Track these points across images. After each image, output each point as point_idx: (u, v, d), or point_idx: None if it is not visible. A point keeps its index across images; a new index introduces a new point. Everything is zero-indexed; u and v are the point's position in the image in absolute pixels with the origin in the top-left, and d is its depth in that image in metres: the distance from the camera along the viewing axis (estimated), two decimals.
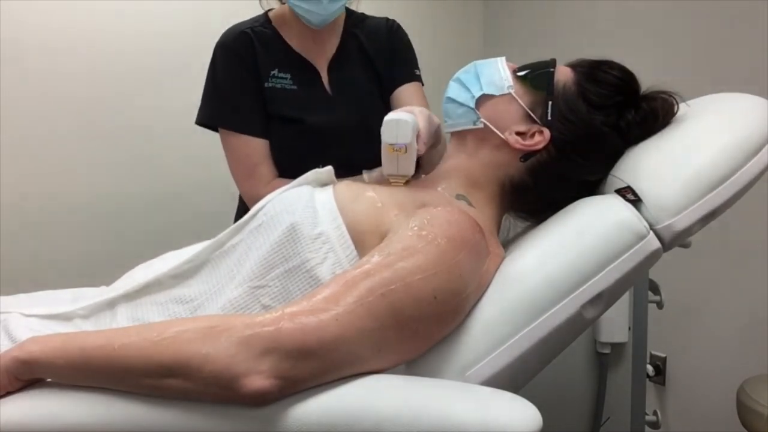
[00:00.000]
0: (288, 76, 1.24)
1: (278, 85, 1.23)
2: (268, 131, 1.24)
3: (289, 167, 1.21)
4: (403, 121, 0.84)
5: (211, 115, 1.25)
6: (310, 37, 1.26)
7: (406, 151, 0.84)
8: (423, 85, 1.33)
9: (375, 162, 1.19)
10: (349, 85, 1.27)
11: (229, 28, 1.26)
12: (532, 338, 0.69)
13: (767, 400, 1.35)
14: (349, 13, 1.32)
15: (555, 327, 0.69)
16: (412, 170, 0.86)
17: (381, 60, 1.30)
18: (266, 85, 1.23)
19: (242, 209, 1.34)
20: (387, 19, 1.35)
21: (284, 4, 1.27)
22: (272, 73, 1.23)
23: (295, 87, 1.24)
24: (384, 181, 0.91)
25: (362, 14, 1.35)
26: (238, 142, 1.23)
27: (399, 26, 1.36)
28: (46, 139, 1.76)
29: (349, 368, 0.62)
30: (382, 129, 0.85)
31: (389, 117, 0.85)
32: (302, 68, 1.25)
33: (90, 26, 1.80)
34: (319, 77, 1.27)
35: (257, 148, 1.23)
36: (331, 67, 1.28)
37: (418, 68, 1.35)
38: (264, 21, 1.28)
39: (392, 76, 1.30)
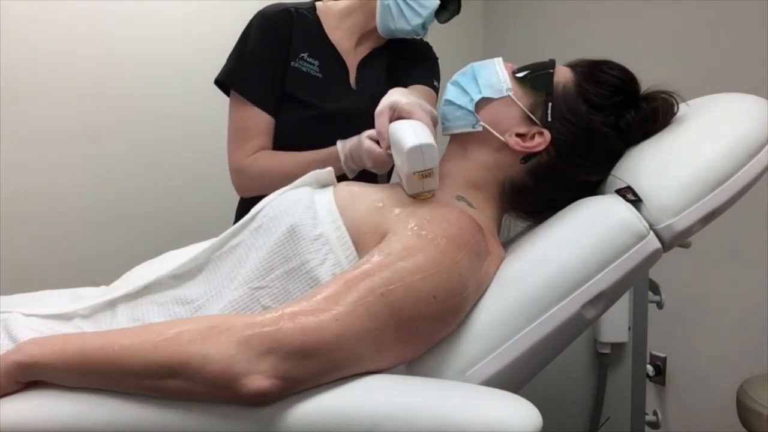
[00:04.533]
0: (316, 62, 1.25)
1: (304, 68, 1.24)
2: (278, 111, 1.24)
3: (298, 150, 1.23)
4: (427, 146, 0.76)
5: (229, 75, 1.25)
6: (352, 36, 1.28)
7: (432, 174, 0.78)
8: (437, 96, 1.33)
9: None
10: (374, 83, 1.29)
11: (274, 3, 1.27)
12: (532, 338, 0.69)
13: (767, 400, 1.35)
14: None
15: (555, 327, 0.69)
16: (437, 184, 0.81)
17: (403, 73, 1.33)
18: (292, 64, 1.24)
19: (242, 207, 1.34)
20: (422, 40, 1.38)
21: None
22: (302, 55, 1.24)
23: (320, 75, 1.26)
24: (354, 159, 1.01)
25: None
26: (244, 110, 1.23)
27: (430, 47, 1.40)
28: (46, 139, 1.76)
29: (349, 368, 0.62)
30: (407, 158, 0.77)
31: (412, 144, 0.76)
32: (333, 59, 1.27)
33: (92, 28, 1.80)
34: (347, 71, 1.29)
35: (260, 122, 1.23)
36: (361, 67, 1.30)
37: (438, 80, 1.37)
38: (310, 7, 1.30)
39: (409, 77, 1.31)
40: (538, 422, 0.56)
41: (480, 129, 0.86)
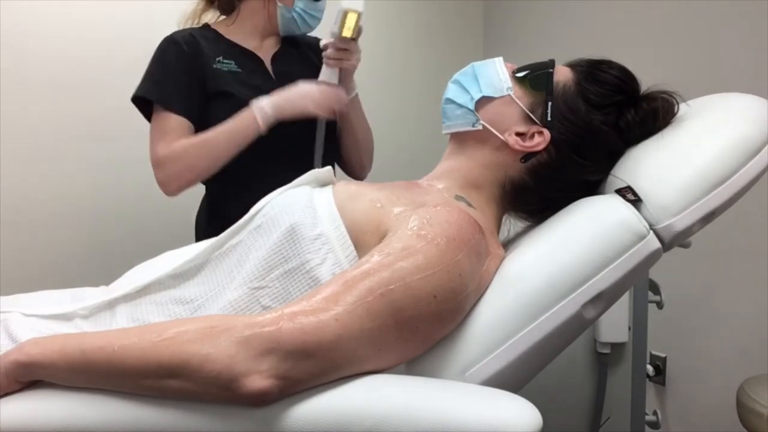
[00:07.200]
0: (232, 61, 1.35)
1: (224, 68, 1.34)
2: (198, 116, 1.32)
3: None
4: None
5: (146, 90, 1.32)
6: (253, 36, 1.40)
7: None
8: None
9: (311, 140, 1.34)
10: (291, 74, 1.36)
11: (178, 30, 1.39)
12: (532, 338, 0.69)
13: (767, 400, 1.35)
14: None
15: (555, 327, 0.69)
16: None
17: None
18: (214, 66, 1.33)
19: (204, 210, 1.45)
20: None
21: (228, 13, 1.41)
22: (218, 58, 1.34)
23: (239, 70, 1.35)
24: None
25: None
26: (163, 116, 1.30)
27: None
28: (46, 139, 1.76)
29: (349, 368, 0.62)
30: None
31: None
32: (245, 57, 1.38)
33: (87, 29, 1.80)
34: (264, 66, 1.39)
35: (178, 123, 1.30)
36: (274, 61, 1.40)
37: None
38: (204, 28, 1.41)
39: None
40: (538, 422, 0.56)
41: (480, 127, 0.86)
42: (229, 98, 1.31)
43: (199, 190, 1.94)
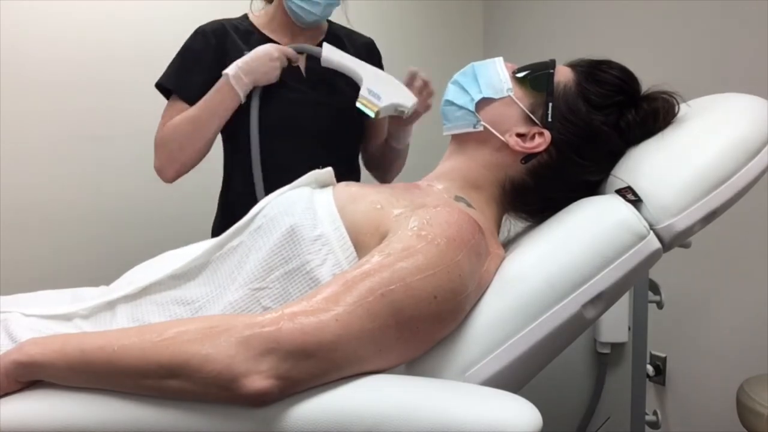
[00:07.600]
0: None
1: None
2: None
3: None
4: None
5: (168, 79, 1.34)
6: (284, 33, 1.38)
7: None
8: None
9: (338, 139, 1.37)
10: (325, 72, 1.35)
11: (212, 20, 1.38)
12: (532, 338, 0.69)
13: (767, 400, 1.35)
14: (330, 22, 1.46)
15: (555, 327, 0.69)
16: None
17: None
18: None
19: (221, 212, 1.44)
20: (368, 38, 1.50)
21: (270, 2, 1.39)
22: (245, 53, 1.31)
23: None
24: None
25: (343, 26, 1.48)
26: (175, 105, 1.32)
27: (373, 42, 1.51)
28: (46, 140, 1.76)
29: (349, 368, 0.62)
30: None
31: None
32: None
33: (87, 29, 1.80)
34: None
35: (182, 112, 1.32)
36: (309, 57, 1.37)
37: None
38: (242, 18, 1.41)
39: None
40: (538, 422, 0.56)
41: (480, 129, 0.86)
42: (264, 94, 1.31)
43: (200, 191, 1.95)
